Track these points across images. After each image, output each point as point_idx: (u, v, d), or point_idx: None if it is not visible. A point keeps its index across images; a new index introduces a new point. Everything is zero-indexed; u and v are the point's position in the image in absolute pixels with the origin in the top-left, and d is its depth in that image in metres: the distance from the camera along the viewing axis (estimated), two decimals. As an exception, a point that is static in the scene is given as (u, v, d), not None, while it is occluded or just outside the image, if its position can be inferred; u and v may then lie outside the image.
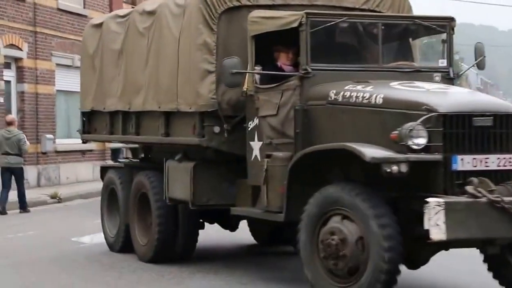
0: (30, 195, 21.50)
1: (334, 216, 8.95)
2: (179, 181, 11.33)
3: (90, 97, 13.96)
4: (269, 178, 9.72)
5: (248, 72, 10.26)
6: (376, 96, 9.22)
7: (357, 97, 9.36)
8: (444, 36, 10.53)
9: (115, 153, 26.92)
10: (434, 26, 10.42)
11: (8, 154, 20.45)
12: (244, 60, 10.41)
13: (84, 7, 29.03)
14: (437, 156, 8.54)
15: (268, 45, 10.51)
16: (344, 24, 10.06)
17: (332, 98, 9.56)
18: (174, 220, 11.87)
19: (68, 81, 27.97)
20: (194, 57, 10.88)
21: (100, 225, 17.02)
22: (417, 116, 8.68)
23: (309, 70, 9.68)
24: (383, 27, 10.19)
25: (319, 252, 9.04)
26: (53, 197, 22.88)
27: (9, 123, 21.22)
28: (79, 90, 29.03)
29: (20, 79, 26.01)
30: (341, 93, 9.53)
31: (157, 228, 11.85)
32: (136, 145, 20.69)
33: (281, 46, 10.59)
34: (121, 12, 13.91)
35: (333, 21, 9.92)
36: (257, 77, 10.41)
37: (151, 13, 12.16)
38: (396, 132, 8.55)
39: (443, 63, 10.45)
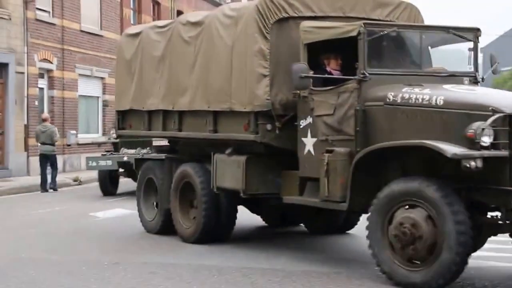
0: (57, 179, 20.57)
1: (397, 211, 7.86)
2: (229, 172, 10.12)
3: (127, 98, 12.51)
4: (331, 171, 8.63)
5: (315, 76, 9.07)
6: (436, 98, 8.10)
7: (416, 98, 8.24)
8: (471, 44, 9.42)
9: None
10: (465, 36, 9.32)
11: (43, 144, 20.02)
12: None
13: (100, 29, 28.04)
14: (505, 153, 7.57)
15: (313, 52, 9.36)
16: (393, 33, 9.00)
17: (391, 100, 8.43)
18: (217, 206, 10.67)
19: (88, 87, 27.34)
20: (250, 63, 9.66)
21: (112, 202, 16.88)
22: (482, 117, 7.67)
23: (367, 74, 8.59)
24: (423, 36, 9.20)
25: (394, 245, 7.90)
26: (75, 180, 22.15)
27: (44, 120, 20.66)
28: (96, 95, 29.59)
29: (50, 86, 25.21)
30: (400, 95, 8.39)
31: (203, 213, 10.64)
32: (117, 140, 18.95)
33: (330, 53, 9.49)
34: (160, 23, 12.56)
35: (386, 30, 8.83)
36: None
37: (197, 23, 10.88)
38: (472, 130, 7.53)
39: (470, 68, 9.45)
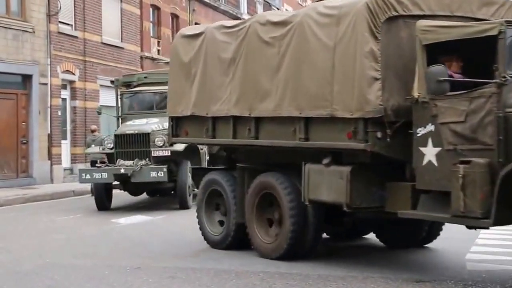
0: (81, 185, 20.41)
1: None
2: (328, 184, 8.72)
3: (185, 103, 10.95)
4: (468, 184, 7.33)
5: (455, 80, 7.87)
6: None
7: None
8: None
9: None
10: None
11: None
12: (403, 67, 8.26)
13: (121, 41, 27.47)
14: None
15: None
16: None
17: None
18: (305, 220, 9.33)
19: (109, 98, 27.36)
20: (359, 65, 8.27)
21: (133, 209, 16.45)
22: None
23: (508, 77, 7.32)
24: None
25: None
26: (97, 187, 22.45)
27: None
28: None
29: (73, 97, 24.63)
30: None
31: (291, 228, 9.28)
32: (112, 151, 16.48)
33: (451, 55, 8.23)
34: (227, 23, 10.97)
35: None
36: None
37: (281, 23, 9.45)
38: None
39: None
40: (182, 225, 13.69)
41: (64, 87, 24.42)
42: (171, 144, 13.65)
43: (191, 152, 16.49)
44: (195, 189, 16.53)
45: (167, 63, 28.01)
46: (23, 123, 22.50)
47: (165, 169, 15.60)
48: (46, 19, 23.29)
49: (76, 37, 24.73)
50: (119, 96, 18.67)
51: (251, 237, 10.02)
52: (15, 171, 22.14)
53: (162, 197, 18.26)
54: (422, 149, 8.07)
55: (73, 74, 24.67)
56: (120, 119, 18.61)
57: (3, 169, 21.53)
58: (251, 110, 9.83)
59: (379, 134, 8.27)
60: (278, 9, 44.29)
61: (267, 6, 44.68)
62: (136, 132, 16.58)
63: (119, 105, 18.67)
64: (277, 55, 9.46)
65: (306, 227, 9.38)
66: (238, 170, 10.45)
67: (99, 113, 20.81)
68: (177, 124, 11.41)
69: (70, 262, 9.89)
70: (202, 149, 17.15)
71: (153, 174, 15.75)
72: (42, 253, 10.64)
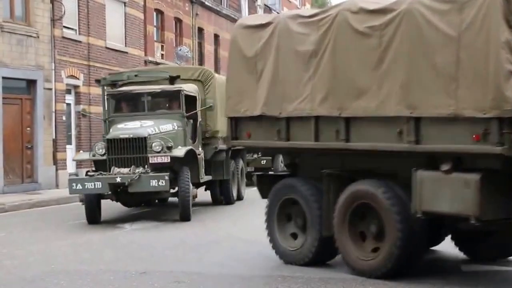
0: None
1: None
2: (450, 194, 7.57)
3: (250, 102, 9.70)
4: None
5: None
6: None
7: None
8: None
9: None
10: None
11: None
12: None
13: (125, 46, 27.06)
14: None
15: None
16: None
17: None
18: (412, 233, 8.20)
19: (113, 102, 27.78)
20: (494, 57, 7.08)
21: (137, 214, 16.12)
22: None
23: None
24: None
25: None
26: (103, 192, 22.01)
27: None
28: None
29: (77, 101, 24.11)
30: None
31: (398, 243, 8.12)
32: (104, 157, 14.68)
33: None
34: (304, 12, 9.68)
35: None
36: None
37: (381, 11, 8.21)
38: None
39: None
40: (187, 230, 13.78)
41: (68, 92, 23.92)
42: (230, 148, 11.91)
43: (191, 157, 15.12)
44: (195, 199, 15.33)
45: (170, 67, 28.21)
46: (28, 128, 22.23)
47: (166, 177, 13.87)
48: (50, 24, 23.02)
49: (80, 41, 24.43)
50: (106, 97, 16.25)
51: (342, 253, 8.82)
52: (20, 177, 21.85)
53: (147, 207, 17.06)
54: None
55: (77, 79, 24.33)
56: (107, 122, 16.25)
57: (8, 175, 21.32)
58: (342, 109, 8.55)
59: None
60: (278, 13, 44.79)
61: (268, 11, 45.06)
62: (131, 136, 14.66)
63: (106, 106, 16.33)
64: (377, 47, 8.19)
65: (413, 241, 8.23)
66: (325, 177, 9.07)
67: (84, 115, 19.21)
68: (237, 125, 10.04)
69: (75, 268, 9.74)
70: (199, 154, 15.89)
71: (153, 183, 14.00)
72: (48, 259, 10.50)
